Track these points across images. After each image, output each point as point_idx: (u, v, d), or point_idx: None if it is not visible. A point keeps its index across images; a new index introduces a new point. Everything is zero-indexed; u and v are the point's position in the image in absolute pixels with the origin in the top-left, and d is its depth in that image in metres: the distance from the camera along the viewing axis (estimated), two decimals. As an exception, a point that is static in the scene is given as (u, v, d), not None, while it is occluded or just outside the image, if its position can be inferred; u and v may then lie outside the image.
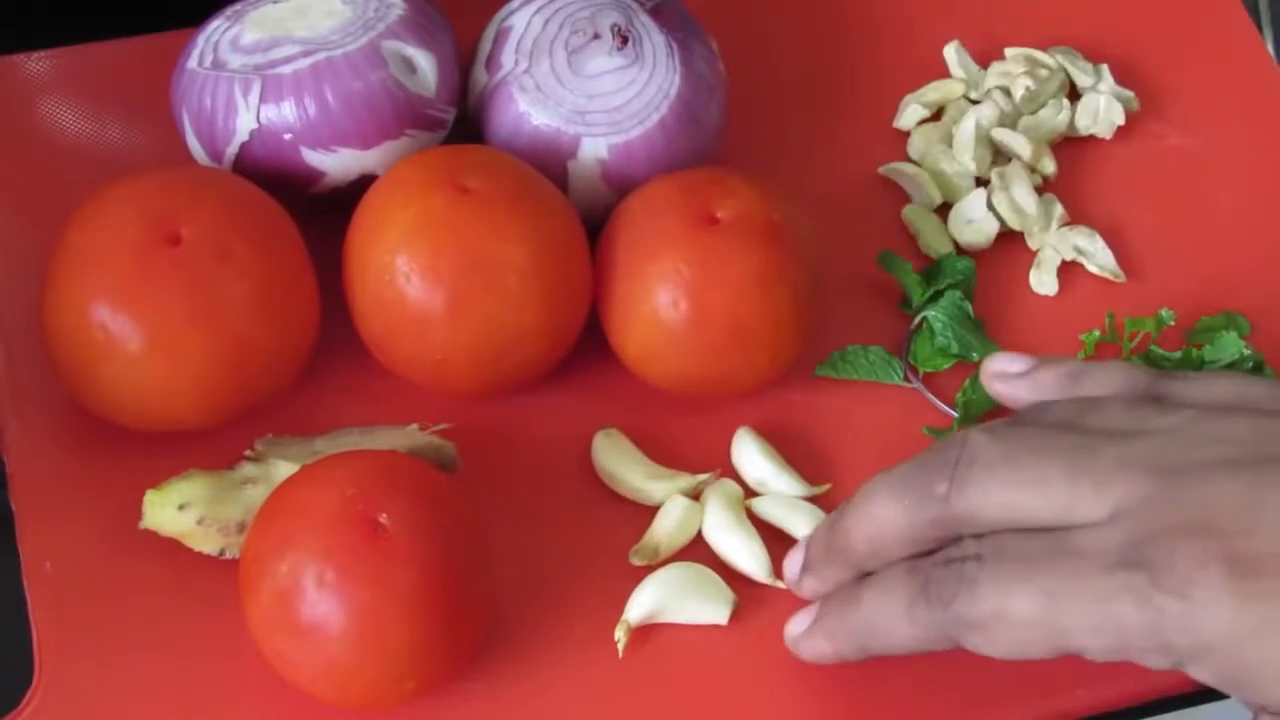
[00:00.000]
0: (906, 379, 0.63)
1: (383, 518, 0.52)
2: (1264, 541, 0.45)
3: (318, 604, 0.51)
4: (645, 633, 0.57)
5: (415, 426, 0.59)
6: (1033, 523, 0.49)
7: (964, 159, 0.69)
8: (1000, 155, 0.70)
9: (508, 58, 0.64)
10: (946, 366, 0.63)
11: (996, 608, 0.48)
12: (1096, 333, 0.64)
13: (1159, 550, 0.46)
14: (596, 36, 0.64)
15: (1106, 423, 0.50)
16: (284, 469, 0.57)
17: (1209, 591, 0.45)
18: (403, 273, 0.58)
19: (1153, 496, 0.47)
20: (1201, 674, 0.46)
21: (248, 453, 0.58)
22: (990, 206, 0.68)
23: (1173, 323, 0.64)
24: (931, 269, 0.66)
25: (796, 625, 0.55)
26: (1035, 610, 0.47)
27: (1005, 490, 0.49)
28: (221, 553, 0.56)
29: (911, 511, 0.50)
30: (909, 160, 0.71)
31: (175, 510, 0.57)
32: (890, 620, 0.51)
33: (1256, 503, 0.46)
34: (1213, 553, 0.45)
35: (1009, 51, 0.74)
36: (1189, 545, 0.46)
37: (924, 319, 0.64)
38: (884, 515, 0.51)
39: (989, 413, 0.61)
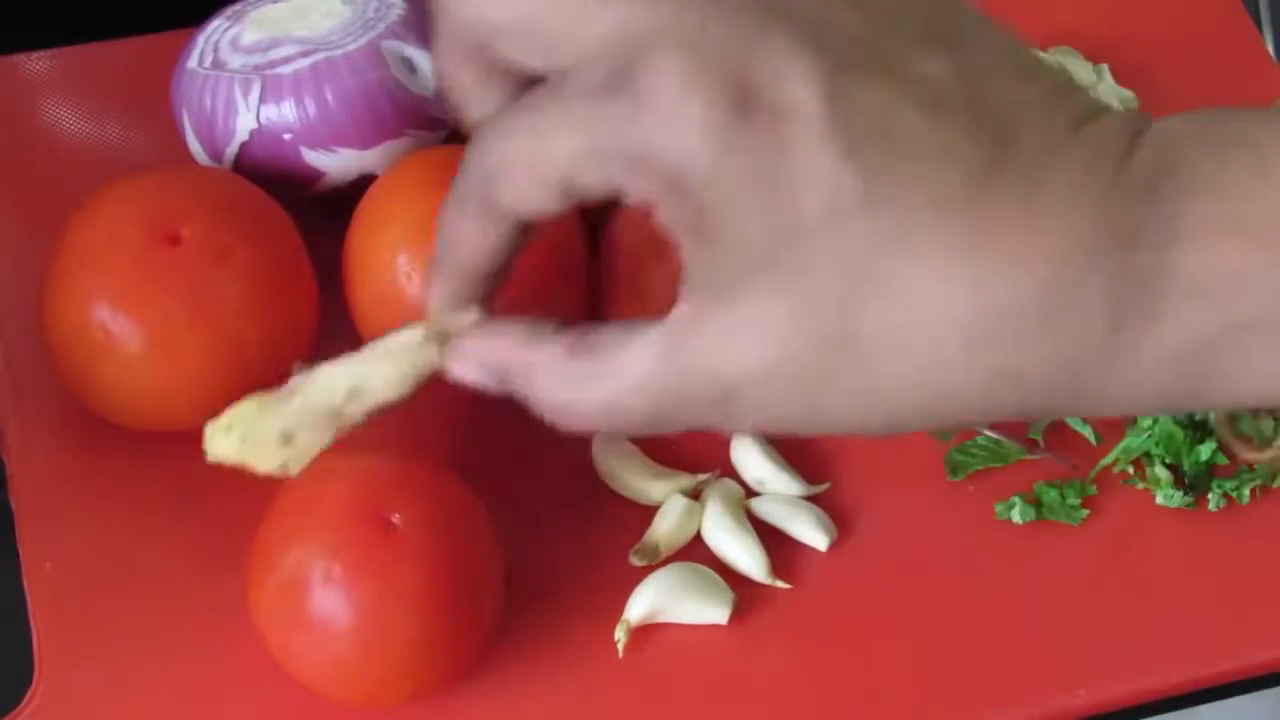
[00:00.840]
0: None
1: (395, 517, 0.52)
2: (764, 73, 0.39)
3: (324, 599, 0.51)
4: (645, 633, 0.57)
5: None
6: (542, 36, 0.43)
7: (964, 159, 0.69)
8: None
9: (508, 58, 0.64)
10: None
11: (503, 150, 0.44)
12: None
13: (645, 74, 0.40)
14: (596, 36, 0.64)
15: None
16: (323, 374, 0.55)
17: (688, 121, 0.39)
18: (403, 271, 0.58)
19: (661, 15, 0.40)
20: (672, 210, 0.41)
21: (294, 366, 0.56)
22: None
23: None
24: None
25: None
26: (529, 146, 0.43)
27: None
28: (284, 468, 0.54)
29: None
30: (909, 160, 0.71)
31: (225, 434, 0.55)
32: (456, 224, 0.47)
33: (772, 42, 0.40)
34: (704, 78, 0.39)
35: (1009, 51, 0.74)
36: (677, 66, 0.39)
37: None
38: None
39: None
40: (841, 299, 0.39)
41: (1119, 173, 0.39)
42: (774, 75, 0.39)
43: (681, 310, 0.42)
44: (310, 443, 0.52)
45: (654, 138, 0.40)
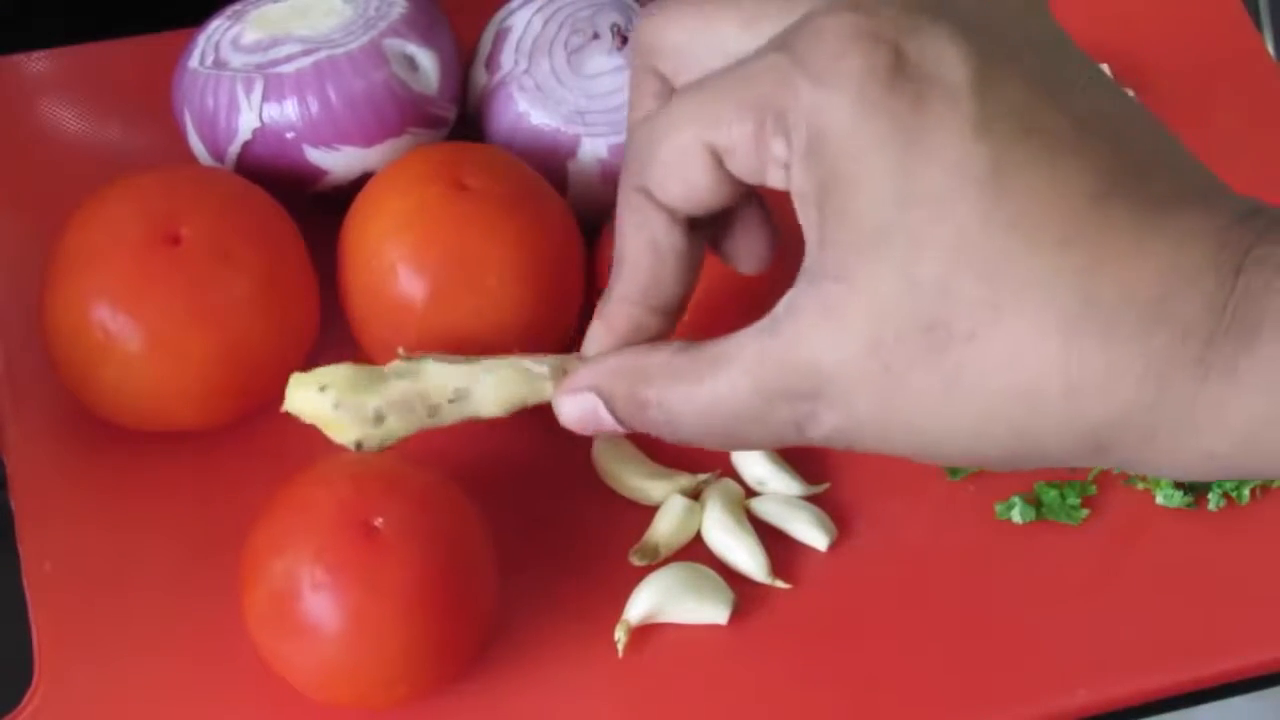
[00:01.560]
0: None
1: (378, 521, 0.52)
2: (923, 50, 0.40)
3: (312, 605, 0.51)
4: (645, 633, 0.57)
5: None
6: (722, 52, 0.44)
7: (964, 159, 0.69)
8: (1000, 155, 0.70)
9: (507, 58, 0.64)
10: None
11: (660, 126, 0.44)
12: None
13: (809, 31, 0.41)
14: (596, 36, 0.64)
15: None
16: (433, 369, 0.54)
17: (840, 75, 0.40)
18: (388, 259, 0.58)
19: (831, 4, 0.42)
20: (801, 175, 0.41)
21: (400, 350, 0.55)
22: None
23: None
24: None
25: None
26: (690, 110, 0.43)
27: (680, 19, 0.45)
28: (358, 446, 0.52)
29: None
30: (909, 160, 0.71)
31: (316, 391, 0.52)
32: (619, 223, 0.47)
33: (936, 26, 0.40)
34: (869, 37, 0.40)
35: (1009, 51, 0.74)
36: (845, 23, 0.40)
37: None
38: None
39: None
40: (944, 281, 0.39)
41: (1239, 231, 0.39)
42: (932, 53, 0.40)
43: (786, 298, 0.42)
44: (396, 429, 0.51)
45: (806, 89, 0.40)
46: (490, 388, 0.52)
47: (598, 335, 0.48)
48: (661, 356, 0.45)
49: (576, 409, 0.47)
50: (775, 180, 0.43)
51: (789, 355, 0.41)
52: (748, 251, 0.49)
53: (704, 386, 0.44)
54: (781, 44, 0.42)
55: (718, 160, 0.43)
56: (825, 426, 0.42)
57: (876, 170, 0.40)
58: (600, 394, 0.46)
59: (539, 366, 0.51)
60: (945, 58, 0.40)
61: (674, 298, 0.47)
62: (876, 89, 0.40)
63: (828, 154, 0.40)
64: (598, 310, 0.48)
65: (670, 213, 0.45)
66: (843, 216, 0.40)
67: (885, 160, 0.40)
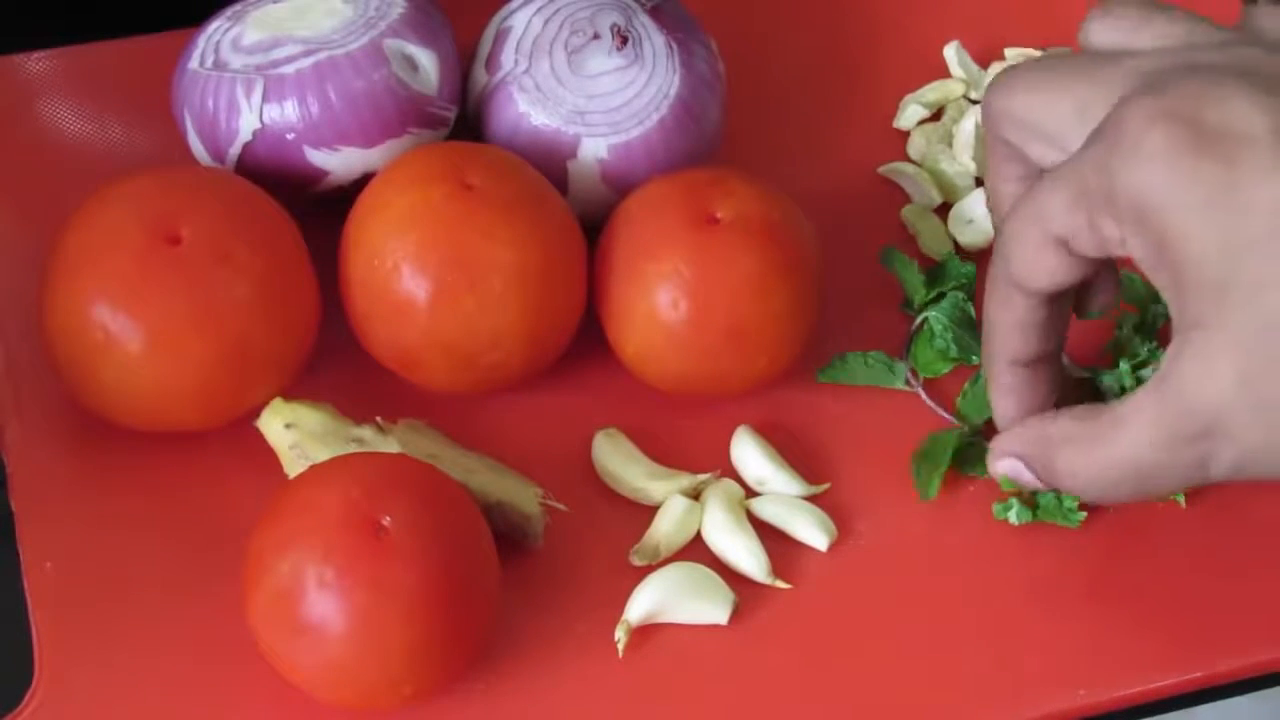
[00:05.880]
0: (908, 383, 0.63)
1: (385, 520, 0.52)
2: (1218, 112, 0.45)
3: (317, 604, 0.51)
4: (645, 633, 0.57)
5: (538, 492, 0.58)
6: (1059, 131, 0.50)
7: (964, 159, 0.69)
8: (1000, 155, 0.70)
9: (507, 58, 0.64)
10: (946, 371, 0.63)
11: (1011, 228, 0.51)
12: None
13: (1117, 119, 0.47)
14: (596, 37, 0.64)
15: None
16: (390, 448, 0.57)
17: (1147, 153, 0.45)
18: (391, 259, 0.58)
19: (1135, 87, 0.48)
20: (1137, 245, 0.47)
21: (377, 419, 0.58)
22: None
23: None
24: (935, 270, 0.66)
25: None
26: (1032, 210, 0.50)
27: (1041, 90, 0.51)
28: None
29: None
30: (909, 160, 0.71)
31: (282, 426, 0.57)
32: (990, 309, 0.54)
33: (1225, 89, 0.46)
34: (1165, 116, 0.45)
35: (1009, 52, 0.74)
36: (1143, 108, 0.46)
37: (925, 320, 0.64)
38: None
39: (989, 421, 0.61)
40: None
41: None
42: (1227, 112, 0.45)
43: (1168, 352, 0.47)
44: None
45: (1121, 172, 0.46)
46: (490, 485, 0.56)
47: (999, 401, 0.56)
48: (1062, 427, 0.51)
49: (1008, 469, 0.54)
50: (1118, 252, 0.48)
51: (1178, 403, 0.46)
52: (1094, 301, 0.56)
53: (1105, 449, 0.49)
54: (1097, 137, 0.47)
55: (1066, 248, 0.49)
56: (1225, 463, 0.47)
57: (1201, 228, 0.45)
58: (1021, 459, 0.53)
59: (502, 481, 0.57)
60: (1240, 114, 0.45)
61: (1049, 350, 0.55)
62: (1183, 157, 0.45)
63: (1153, 224, 0.46)
64: (988, 374, 0.56)
65: (1036, 295, 0.52)
66: (1184, 274, 0.45)
67: (1208, 220, 0.45)
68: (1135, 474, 0.49)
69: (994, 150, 0.54)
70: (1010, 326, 0.54)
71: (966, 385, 0.63)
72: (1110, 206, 0.47)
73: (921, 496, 0.60)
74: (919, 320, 0.64)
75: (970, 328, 0.63)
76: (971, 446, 0.61)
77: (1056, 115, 0.50)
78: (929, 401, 0.63)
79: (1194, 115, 0.45)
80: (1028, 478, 0.53)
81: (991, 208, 0.57)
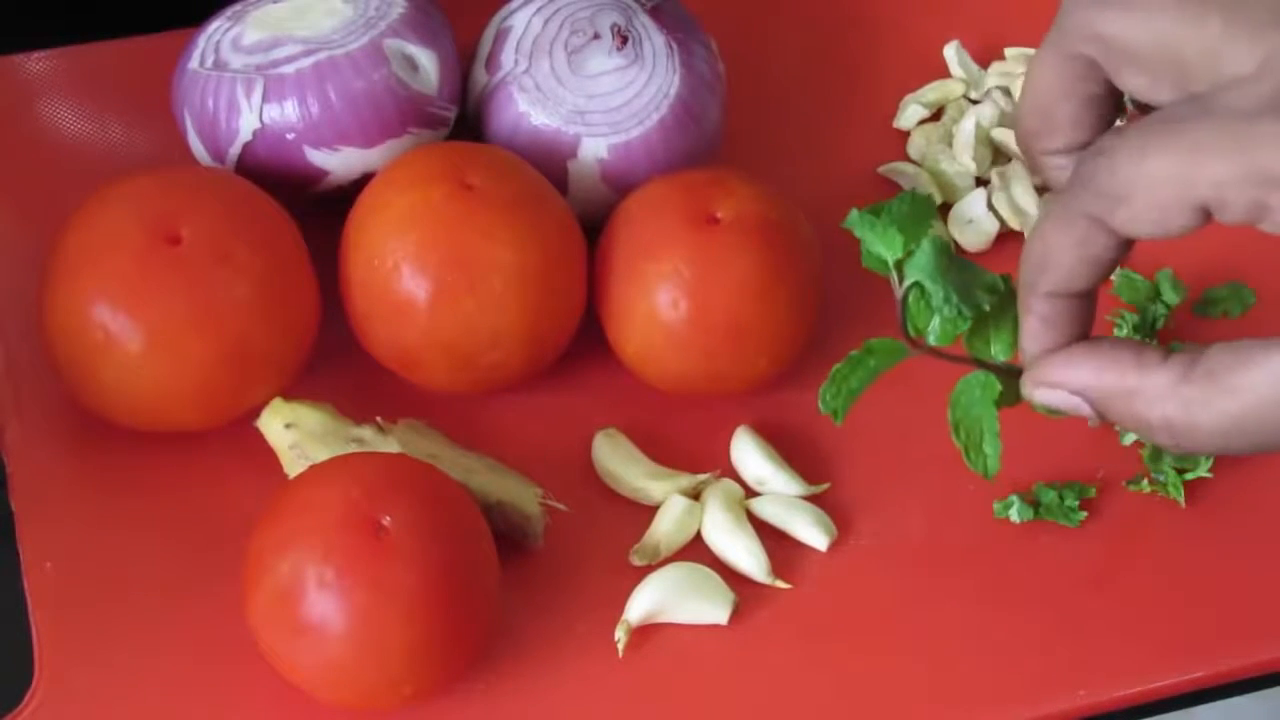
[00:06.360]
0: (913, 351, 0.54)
1: (385, 520, 0.52)
2: None
3: (317, 604, 0.51)
4: (645, 633, 0.57)
5: (538, 492, 0.59)
6: (1177, 65, 0.46)
7: (964, 159, 0.69)
8: (1000, 155, 0.70)
9: (507, 58, 0.64)
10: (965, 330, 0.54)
11: (1132, 173, 0.45)
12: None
13: None
14: (596, 36, 0.64)
15: None
16: (390, 448, 0.57)
17: None
18: (391, 258, 0.58)
19: None
20: None
21: (377, 419, 0.58)
22: (990, 206, 0.68)
23: (1179, 300, 0.65)
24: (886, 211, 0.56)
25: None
26: (1174, 166, 0.44)
27: (1156, 14, 0.46)
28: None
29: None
30: (909, 160, 0.71)
31: (282, 426, 0.57)
32: (1053, 239, 0.48)
33: None
34: None
35: (1009, 51, 0.74)
36: None
37: (915, 285, 0.54)
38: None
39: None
40: None
41: None
42: None
43: None
44: None
45: None
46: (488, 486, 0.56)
47: (1036, 332, 0.50)
48: (1161, 381, 0.47)
49: (1055, 400, 0.49)
50: (1270, 230, 0.44)
51: None
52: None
53: (1220, 409, 0.45)
54: (1275, 105, 0.43)
55: (1205, 213, 0.44)
56: None
57: None
58: (1088, 399, 0.49)
59: (504, 481, 0.56)
60: None
61: (1098, 286, 0.49)
62: None
63: None
64: (1023, 307, 0.49)
65: (1124, 239, 0.47)
66: None
67: None
68: (1257, 435, 0.46)
69: (1062, 64, 0.49)
70: (1077, 261, 0.48)
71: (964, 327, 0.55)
72: None
73: (986, 475, 0.53)
74: (905, 286, 0.54)
75: (963, 271, 0.54)
76: (1009, 385, 0.54)
77: (1177, 49, 0.46)
78: (949, 359, 0.54)
79: None
80: (1087, 414, 0.49)
81: (1029, 125, 0.50)
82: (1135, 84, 0.47)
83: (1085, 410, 0.49)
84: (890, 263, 0.53)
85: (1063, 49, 0.48)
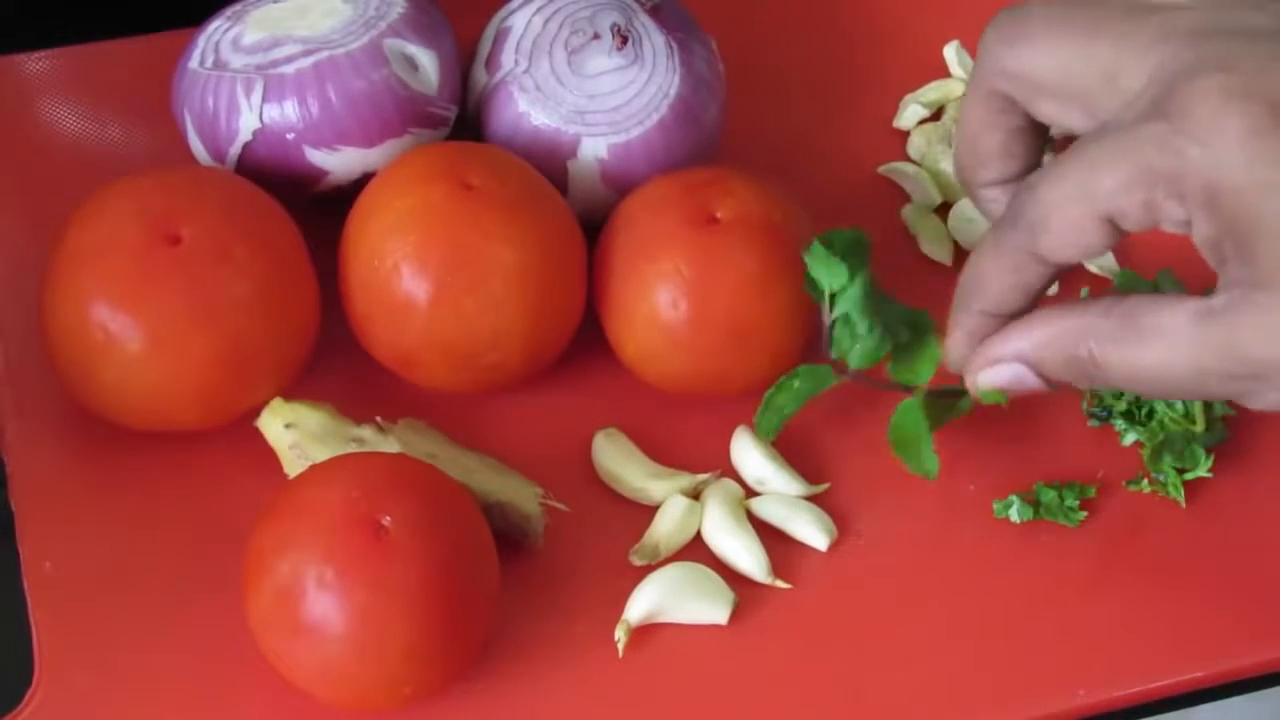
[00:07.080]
0: (836, 375, 0.60)
1: (385, 519, 0.52)
2: None
3: (317, 604, 0.51)
4: (645, 633, 0.57)
5: (538, 492, 0.59)
6: (1081, 92, 0.49)
7: (964, 159, 0.69)
8: (1000, 155, 0.70)
9: (507, 57, 0.64)
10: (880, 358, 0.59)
11: (1046, 199, 0.48)
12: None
13: (1182, 98, 0.45)
14: (596, 36, 0.64)
15: None
16: (390, 448, 0.57)
17: (1224, 134, 0.45)
18: (391, 258, 0.58)
19: (1183, 55, 0.46)
20: (1204, 225, 0.46)
21: (377, 419, 0.58)
22: (990, 206, 0.68)
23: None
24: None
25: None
26: (1076, 186, 0.48)
27: (1056, 48, 0.49)
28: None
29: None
30: (909, 160, 0.71)
31: (283, 426, 0.57)
32: (986, 267, 0.52)
33: None
34: (1241, 95, 0.45)
35: (1009, 51, 0.74)
36: (1214, 86, 0.45)
37: (843, 315, 0.59)
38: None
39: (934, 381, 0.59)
40: None
41: None
42: None
43: (1219, 299, 0.47)
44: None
45: (1190, 152, 0.45)
46: (487, 484, 0.57)
47: (962, 343, 0.53)
48: (1089, 319, 0.50)
49: (1000, 378, 0.52)
50: (1170, 229, 0.47)
51: (1229, 346, 0.46)
52: None
53: (1136, 353, 0.48)
54: (1155, 112, 0.46)
55: (1112, 225, 0.48)
56: (1267, 400, 0.47)
57: (1278, 212, 0.44)
58: (1027, 362, 0.51)
59: (505, 480, 0.57)
60: None
61: (1030, 308, 0.52)
62: (1262, 139, 0.44)
63: (1225, 206, 0.45)
64: (952, 323, 0.53)
65: (1057, 266, 0.50)
66: (1254, 254, 0.45)
67: None
68: (1162, 383, 0.49)
69: (983, 101, 0.52)
70: (1009, 287, 0.51)
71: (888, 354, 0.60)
72: (1176, 188, 0.46)
73: (929, 476, 0.58)
74: (833, 316, 0.59)
75: (884, 309, 0.59)
76: (940, 401, 0.59)
77: (1078, 77, 0.49)
78: (871, 384, 0.60)
79: (1271, 96, 0.44)
80: (1030, 384, 0.52)
81: (963, 161, 0.54)
82: (1048, 113, 0.51)
83: (1030, 379, 0.52)
84: (826, 293, 0.59)
85: (982, 86, 0.52)
